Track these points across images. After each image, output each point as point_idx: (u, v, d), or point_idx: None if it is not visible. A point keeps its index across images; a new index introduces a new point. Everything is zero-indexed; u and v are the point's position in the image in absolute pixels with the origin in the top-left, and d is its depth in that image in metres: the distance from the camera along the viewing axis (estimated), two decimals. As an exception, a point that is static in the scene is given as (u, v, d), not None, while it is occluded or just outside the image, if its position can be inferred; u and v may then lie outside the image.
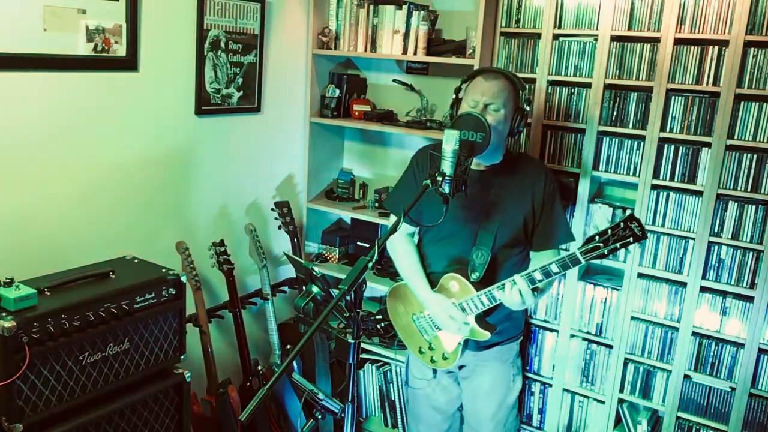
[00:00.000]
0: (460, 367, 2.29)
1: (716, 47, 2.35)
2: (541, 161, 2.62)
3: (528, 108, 2.10)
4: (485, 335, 2.07)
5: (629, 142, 2.55)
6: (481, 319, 2.09)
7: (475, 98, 2.01)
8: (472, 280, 2.06)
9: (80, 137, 2.29)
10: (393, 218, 2.39)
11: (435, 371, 2.31)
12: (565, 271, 1.87)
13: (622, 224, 1.72)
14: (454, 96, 2.17)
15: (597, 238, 1.76)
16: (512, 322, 2.25)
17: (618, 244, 1.73)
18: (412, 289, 2.22)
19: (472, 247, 2.09)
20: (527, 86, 2.17)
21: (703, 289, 2.48)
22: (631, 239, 1.71)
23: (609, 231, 1.74)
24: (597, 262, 2.62)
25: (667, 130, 2.48)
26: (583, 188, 2.63)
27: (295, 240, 3.04)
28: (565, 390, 2.78)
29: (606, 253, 1.75)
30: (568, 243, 2.26)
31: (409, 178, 2.28)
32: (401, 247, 2.26)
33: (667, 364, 2.56)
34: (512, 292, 1.92)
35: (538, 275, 1.90)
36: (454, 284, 2.09)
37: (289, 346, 2.94)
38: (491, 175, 2.13)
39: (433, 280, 2.18)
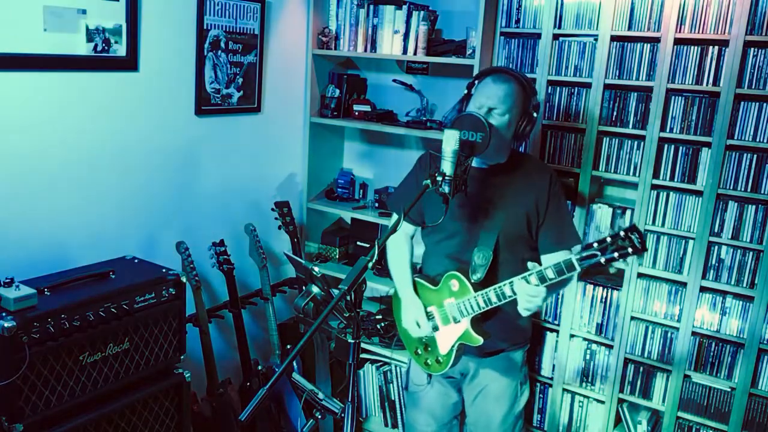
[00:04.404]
0: (463, 375, 2.27)
1: (716, 47, 2.35)
2: (545, 163, 2.61)
3: (535, 114, 2.05)
4: (479, 340, 2.03)
5: (629, 142, 2.55)
6: (477, 322, 2.06)
7: (480, 101, 1.99)
8: (473, 281, 2.03)
9: (80, 137, 2.29)
10: (395, 218, 2.36)
11: (430, 376, 2.30)
12: (560, 277, 1.81)
13: (622, 234, 1.63)
14: (465, 92, 2.13)
15: (595, 245, 1.69)
16: (517, 328, 2.20)
17: (616, 254, 1.66)
18: (396, 286, 2.24)
19: (474, 248, 2.06)
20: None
21: (703, 289, 2.48)
22: (630, 250, 1.63)
23: (608, 239, 1.66)
24: (597, 262, 2.65)
25: (667, 130, 2.48)
26: (583, 188, 2.63)
27: (295, 240, 3.04)
28: (565, 390, 2.78)
29: (603, 262, 1.68)
30: (576, 245, 2.18)
31: (411, 179, 2.27)
32: (396, 246, 2.27)
33: (667, 364, 2.56)
34: (522, 291, 1.87)
35: (533, 279, 1.85)
36: (454, 283, 2.07)
37: (289, 346, 2.97)
38: (493, 174, 2.10)
39: (434, 280, 2.16)
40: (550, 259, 2.08)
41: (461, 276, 2.05)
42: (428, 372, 2.23)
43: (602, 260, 1.67)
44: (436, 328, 2.12)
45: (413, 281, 2.22)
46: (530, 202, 2.08)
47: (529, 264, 1.89)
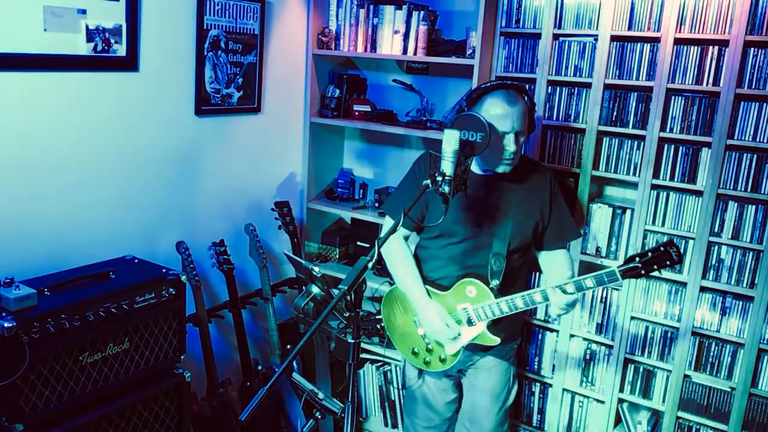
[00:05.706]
0: (461, 370, 2.28)
1: (716, 47, 2.35)
2: (542, 163, 2.63)
3: (536, 111, 2.11)
4: (495, 341, 2.08)
5: (629, 142, 2.55)
6: (493, 325, 2.10)
7: (505, 130, 1.98)
8: (491, 287, 2.06)
9: (80, 137, 2.29)
10: (388, 220, 2.31)
11: (420, 372, 2.31)
12: (599, 286, 1.90)
13: (662, 248, 1.80)
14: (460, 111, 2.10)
15: (637, 259, 1.82)
16: (517, 323, 2.27)
17: (656, 266, 1.80)
18: (406, 292, 2.18)
19: (482, 253, 2.09)
20: (527, 86, 2.19)
21: (703, 289, 2.48)
22: (668, 262, 1.79)
23: (649, 253, 1.81)
24: (598, 262, 2.65)
25: (667, 130, 2.48)
26: (583, 188, 2.63)
27: (295, 240, 3.04)
28: (565, 390, 2.78)
29: (643, 273, 1.82)
30: (575, 238, 2.33)
31: (410, 181, 2.25)
32: (398, 250, 2.21)
33: (667, 364, 2.56)
34: (555, 300, 1.94)
35: (570, 288, 1.91)
36: (471, 289, 2.08)
37: (289, 346, 2.97)
38: (498, 178, 2.12)
39: (442, 285, 2.16)
40: (549, 255, 2.23)
41: (479, 282, 2.08)
42: (427, 369, 2.23)
43: (643, 272, 1.82)
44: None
45: (403, 288, 2.22)
46: (536, 209, 2.16)
47: (564, 274, 2.04)
